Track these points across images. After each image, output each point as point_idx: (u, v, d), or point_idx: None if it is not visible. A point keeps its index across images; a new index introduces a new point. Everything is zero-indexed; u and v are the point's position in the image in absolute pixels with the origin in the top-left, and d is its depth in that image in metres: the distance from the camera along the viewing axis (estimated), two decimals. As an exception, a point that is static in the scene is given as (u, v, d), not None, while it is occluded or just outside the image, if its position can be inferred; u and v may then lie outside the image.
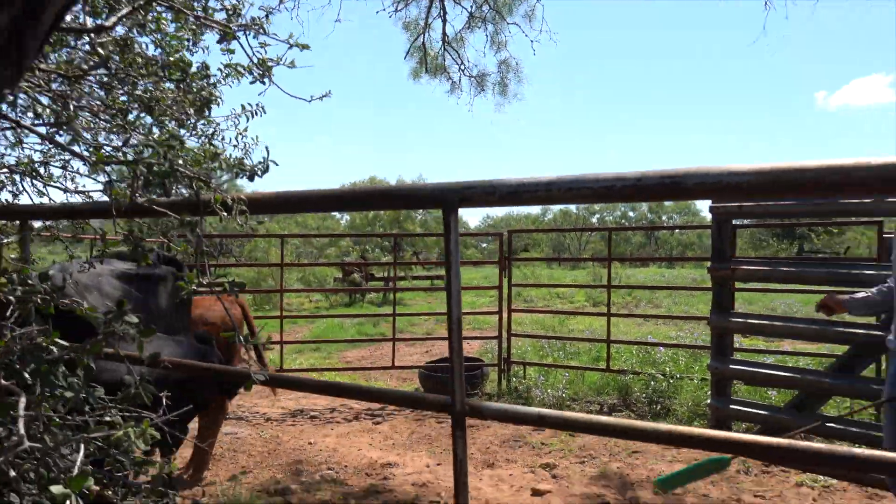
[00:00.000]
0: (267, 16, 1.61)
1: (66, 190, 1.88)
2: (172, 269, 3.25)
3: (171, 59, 1.85)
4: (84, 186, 2.02)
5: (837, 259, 8.61)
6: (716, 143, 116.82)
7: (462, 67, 8.24)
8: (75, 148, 1.60)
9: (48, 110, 1.76)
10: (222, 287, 1.20)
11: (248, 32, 1.56)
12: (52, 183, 2.04)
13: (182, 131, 1.90)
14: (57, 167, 2.05)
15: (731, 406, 4.97)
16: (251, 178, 1.27)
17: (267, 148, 1.28)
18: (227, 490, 4.58)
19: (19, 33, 1.09)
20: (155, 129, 1.94)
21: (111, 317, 1.15)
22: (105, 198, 1.69)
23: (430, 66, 7.92)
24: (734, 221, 5.20)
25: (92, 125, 1.80)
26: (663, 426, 1.33)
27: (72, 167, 2.01)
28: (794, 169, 0.88)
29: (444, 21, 8.19)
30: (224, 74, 1.87)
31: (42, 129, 1.72)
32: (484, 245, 52.38)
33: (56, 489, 0.94)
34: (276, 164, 1.36)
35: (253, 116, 1.79)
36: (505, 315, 7.94)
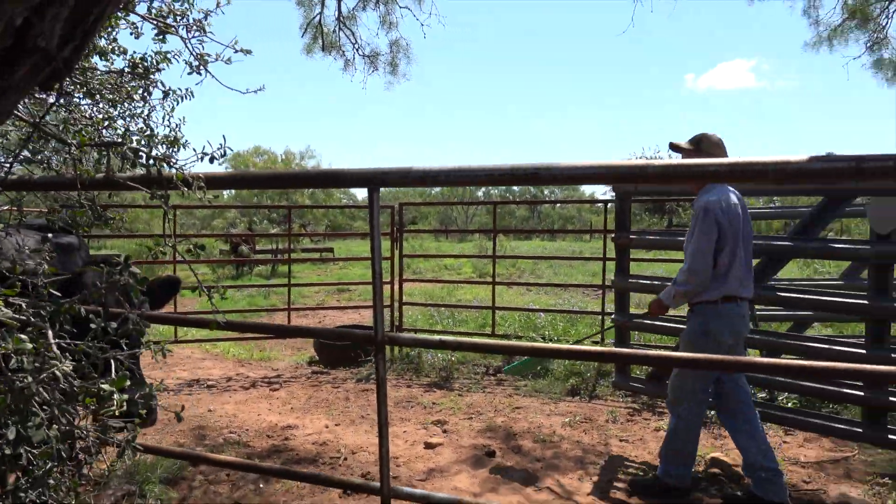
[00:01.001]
0: (206, 17, 1.85)
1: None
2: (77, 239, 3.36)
3: (111, 46, 2.04)
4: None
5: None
6: (593, 119, 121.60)
7: (356, 46, 8.44)
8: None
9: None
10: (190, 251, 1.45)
11: (190, 33, 1.79)
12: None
13: (117, 111, 2.09)
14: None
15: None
16: (211, 161, 1.52)
17: (224, 136, 1.53)
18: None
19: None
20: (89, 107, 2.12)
21: (119, 268, 1.37)
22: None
23: (324, 42, 8.06)
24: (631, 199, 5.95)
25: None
26: (563, 346, 1.72)
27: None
28: (609, 165, 1.26)
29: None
30: (156, 61, 2.09)
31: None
32: (372, 218, 52.23)
33: (105, 386, 1.18)
34: (232, 150, 1.60)
35: (182, 100, 2.03)
36: (396, 285, 8.30)
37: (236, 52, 1.73)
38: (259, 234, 18.55)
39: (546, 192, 52.37)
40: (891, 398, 4.03)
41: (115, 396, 1.20)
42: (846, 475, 4.41)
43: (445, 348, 1.48)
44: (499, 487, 4.31)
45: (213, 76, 1.90)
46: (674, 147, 4.03)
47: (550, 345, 1.96)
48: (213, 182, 1.58)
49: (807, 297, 4.60)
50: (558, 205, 51.43)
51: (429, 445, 5.02)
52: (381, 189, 1.59)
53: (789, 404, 5.46)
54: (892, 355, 3.88)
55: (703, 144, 3.88)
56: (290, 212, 8.90)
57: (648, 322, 5.59)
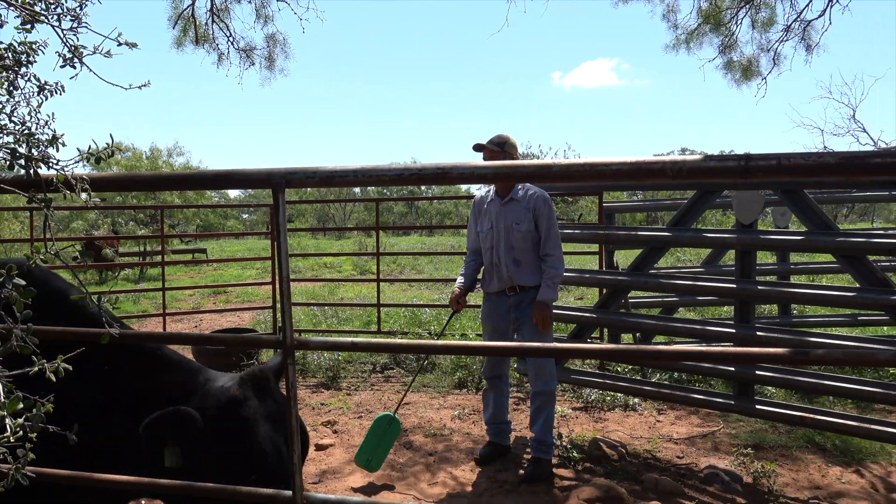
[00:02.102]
0: (81, 6, 1.71)
1: None
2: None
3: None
4: None
5: (588, 225, 10.23)
6: (465, 115, 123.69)
7: (230, 39, 8.11)
8: None
9: None
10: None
11: (62, 22, 1.65)
12: None
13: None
14: None
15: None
16: (98, 162, 1.41)
17: (111, 135, 1.42)
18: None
19: None
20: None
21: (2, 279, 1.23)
22: None
23: (197, 35, 7.68)
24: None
25: None
26: (452, 343, 1.73)
27: None
28: (515, 165, 1.31)
29: (211, -11, 7.96)
30: (22, 51, 1.92)
31: None
32: (245, 216, 50.70)
33: None
34: (121, 151, 1.48)
35: (52, 95, 1.88)
36: (277, 285, 8.09)
37: (120, 44, 1.62)
38: (125, 236, 17.48)
39: (424, 188, 52.77)
40: (757, 372, 4.39)
41: (8, 422, 1.09)
42: (714, 448, 4.76)
43: (356, 350, 1.46)
44: (394, 484, 4.31)
45: (90, 70, 1.77)
46: (477, 148, 4.36)
47: (461, 342, 1.98)
48: (100, 184, 1.47)
49: (684, 282, 4.96)
50: (435, 200, 52.03)
51: (319, 447, 4.94)
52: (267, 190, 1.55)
53: (665, 381, 5.81)
54: (757, 333, 4.23)
55: (507, 146, 4.31)
56: (161, 212, 8.46)
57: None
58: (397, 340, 1.67)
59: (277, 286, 8.05)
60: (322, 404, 6.04)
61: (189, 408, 2.08)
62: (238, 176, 1.46)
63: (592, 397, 5.75)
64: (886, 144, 15.94)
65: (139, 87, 1.78)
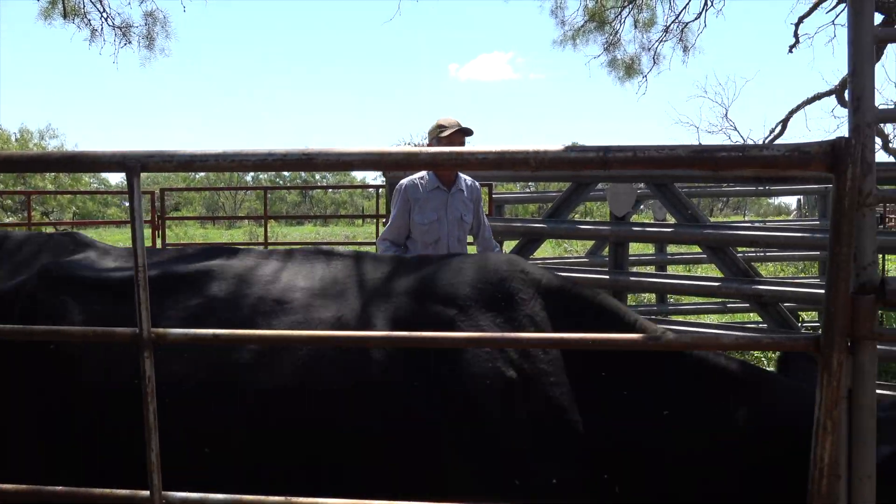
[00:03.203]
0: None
1: None
2: None
3: None
4: None
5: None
6: (363, 106, 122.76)
7: (104, 15, 7.61)
8: None
9: None
10: None
11: None
12: None
13: None
14: None
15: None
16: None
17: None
18: None
19: None
20: None
21: None
22: None
23: (65, 7, 7.15)
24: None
25: None
26: (340, 333, 1.71)
27: None
28: (381, 152, 1.30)
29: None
30: None
31: None
32: (127, 204, 48.13)
33: None
34: None
35: None
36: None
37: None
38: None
39: (318, 176, 52.00)
40: None
41: None
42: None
43: (218, 343, 1.40)
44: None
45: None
46: (467, 132, 4.12)
47: (336, 333, 1.93)
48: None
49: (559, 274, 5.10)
50: (330, 190, 51.38)
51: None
52: (143, 174, 1.46)
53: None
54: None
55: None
56: (28, 198, 7.90)
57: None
58: (269, 332, 1.63)
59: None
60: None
61: None
62: (88, 158, 1.36)
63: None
64: (755, 141, 17.08)
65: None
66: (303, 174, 51.67)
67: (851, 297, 1.29)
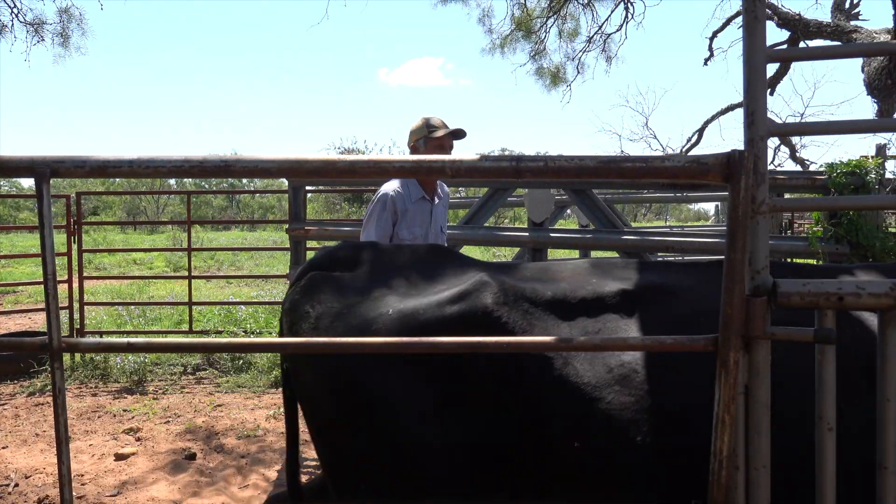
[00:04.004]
0: None
1: None
2: None
3: None
4: None
5: None
6: (290, 110, 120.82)
7: (15, 10, 7.27)
8: None
9: None
10: None
11: None
12: None
13: None
14: None
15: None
16: None
17: None
18: None
19: None
20: None
21: None
22: None
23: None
24: (307, 188, 5.89)
25: None
26: (264, 339, 1.69)
27: None
28: (299, 160, 1.32)
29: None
30: None
31: None
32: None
33: None
34: None
35: None
36: (76, 284, 7.44)
37: None
38: None
39: (245, 180, 50.85)
40: None
41: None
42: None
43: (133, 351, 1.37)
44: (201, 491, 4.13)
45: None
46: (460, 134, 3.73)
47: (251, 339, 1.93)
48: None
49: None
50: (258, 194, 50.45)
51: (120, 457, 4.62)
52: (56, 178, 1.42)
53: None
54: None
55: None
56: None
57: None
58: (178, 340, 1.60)
59: (75, 284, 7.40)
60: (125, 410, 5.64)
61: None
62: (-5, 163, 1.32)
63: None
64: (673, 150, 17.71)
65: None
66: (230, 178, 50.32)
67: (746, 298, 1.38)
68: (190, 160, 1.29)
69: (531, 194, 4.51)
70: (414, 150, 3.69)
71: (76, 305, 7.38)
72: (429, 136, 3.59)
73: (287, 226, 5.57)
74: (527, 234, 4.61)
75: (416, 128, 3.66)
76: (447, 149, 3.64)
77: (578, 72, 10.38)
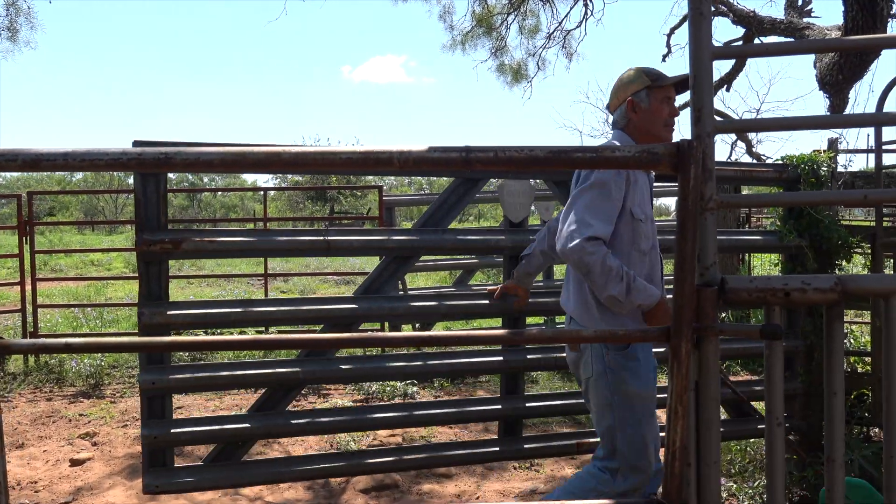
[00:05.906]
0: None
1: None
2: None
3: None
4: None
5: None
6: (250, 107, 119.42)
7: (-40, 4, 7.04)
8: None
9: None
10: None
11: None
12: None
13: None
14: None
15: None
16: None
17: None
18: None
19: None
20: None
21: None
22: None
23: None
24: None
25: None
26: (228, 337, 1.64)
27: None
28: (243, 152, 1.28)
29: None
30: None
31: None
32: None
33: None
34: None
35: None
36: (29, 286, 7.24)
37: None
38: None
39: (206, 179, 50.14)
40: (526, 404, 3.63)
41: None
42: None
43: (70, 352, 1.31)
44: (160, 495, 4.04)
45: None
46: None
47: (213, 337, 1.88)
48: None
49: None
50: (220, 193, 49.78)
51: (75, 462, 4.50)
52: (7, 175, 1.38)
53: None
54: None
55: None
56: None
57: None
58: (125, 339, 1.54)
59: (28, 287, 7.20)
60: (81, 415, 5.50)
61: None
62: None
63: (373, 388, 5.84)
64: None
65: None
66: (189, 176, 49.65)
67: (697, 289, 1.38)
68: (128, 153, 1.25)
69: (507, 186, 3.55)
70: (632, 107, 2.80)
71: (29, 308, 7.18)
72: (654, 86, 2.78)
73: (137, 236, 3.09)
74: (504, 236, 3.52)
75: (628, 78, 2.83)
76: (673, 102, 2.85)
77: (539, 68, 10.43)
